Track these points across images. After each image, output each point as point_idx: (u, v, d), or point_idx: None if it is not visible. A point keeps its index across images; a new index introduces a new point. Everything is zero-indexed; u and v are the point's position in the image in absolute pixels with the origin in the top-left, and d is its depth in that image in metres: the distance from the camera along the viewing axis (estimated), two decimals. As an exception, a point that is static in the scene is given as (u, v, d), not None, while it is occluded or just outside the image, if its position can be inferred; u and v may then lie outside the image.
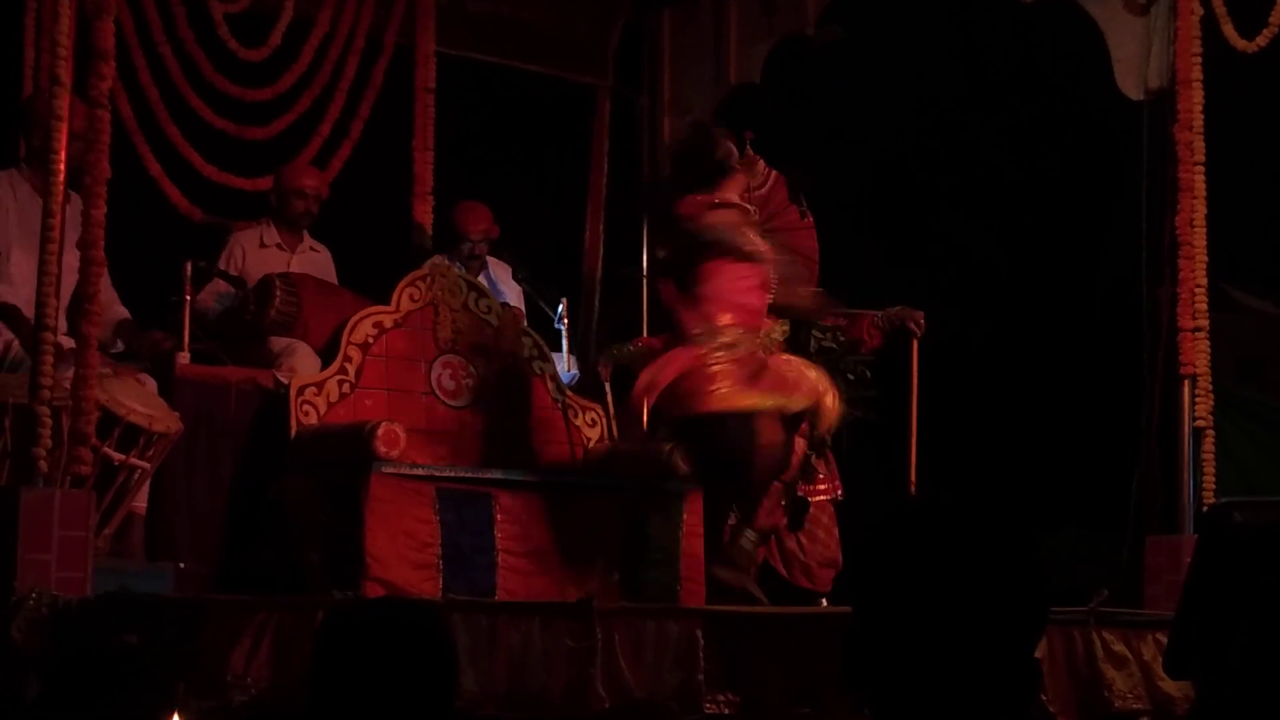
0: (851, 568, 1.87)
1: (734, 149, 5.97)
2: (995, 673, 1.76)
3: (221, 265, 6.71)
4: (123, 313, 6.22)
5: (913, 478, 6.39)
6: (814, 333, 6.43)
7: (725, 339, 5.64)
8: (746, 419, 5.59)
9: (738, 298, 5.70)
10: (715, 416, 5.61)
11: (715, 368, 5.58)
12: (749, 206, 6.00)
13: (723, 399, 5.58)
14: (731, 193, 5.88)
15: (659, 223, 6.20)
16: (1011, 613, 1.77)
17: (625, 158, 8.41)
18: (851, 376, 6.44)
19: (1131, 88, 6.73)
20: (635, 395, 5.83)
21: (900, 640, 1.76)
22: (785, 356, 5.99)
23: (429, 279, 6.45)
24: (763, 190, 6.52)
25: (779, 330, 6.31)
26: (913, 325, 6.40)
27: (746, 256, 5.69)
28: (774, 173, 6.55)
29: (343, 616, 2.29)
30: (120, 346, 6.14)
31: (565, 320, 7.47)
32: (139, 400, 5.63)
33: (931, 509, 1.84)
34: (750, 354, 5.70)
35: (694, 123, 6.62)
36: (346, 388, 6.15)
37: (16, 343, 5.81)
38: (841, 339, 6.47)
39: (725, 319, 5.65)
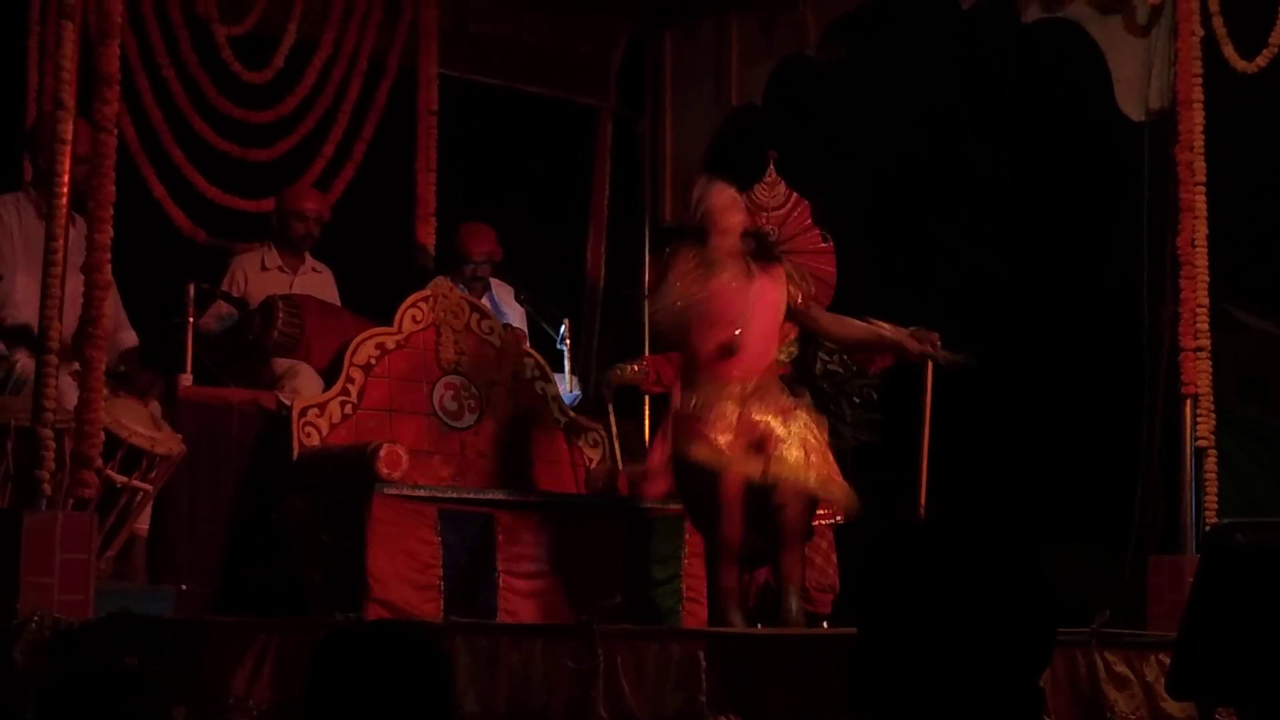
0: (856, 588, 1.86)
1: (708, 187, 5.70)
2: (998, 696, 1.76)
3: (224, 288, 6.72)
4: (131, 339, 6.21)
5: (922, 501, 6.36)
6: (820, 355, 6.43)
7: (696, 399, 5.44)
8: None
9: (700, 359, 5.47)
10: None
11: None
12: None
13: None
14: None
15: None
16: (1016, 636, 1.77)
17: (627, 179, 8.42)
18: (857, 400, 6.43)
19: (1132, 108, 6.74)
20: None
21: (904, 661, 1.76)
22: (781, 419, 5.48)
23: (431, 300, 6.46)
24: (781, 211, 6.53)
25: (784, 352, 6.28)
26: (928, 347, 6.37)
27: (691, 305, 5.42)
28: (794, 195, 6.56)
29: (336, 640, 2.29)
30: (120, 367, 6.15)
31: (567, 341, 7.48)
32: (141, 422, 5.64)
33: (937, 529, 1.84)
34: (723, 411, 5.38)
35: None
36: (349, 409, 6.15)
37: (19, 365, 5.81)
38: (848, 361, 6.46)
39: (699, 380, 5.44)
